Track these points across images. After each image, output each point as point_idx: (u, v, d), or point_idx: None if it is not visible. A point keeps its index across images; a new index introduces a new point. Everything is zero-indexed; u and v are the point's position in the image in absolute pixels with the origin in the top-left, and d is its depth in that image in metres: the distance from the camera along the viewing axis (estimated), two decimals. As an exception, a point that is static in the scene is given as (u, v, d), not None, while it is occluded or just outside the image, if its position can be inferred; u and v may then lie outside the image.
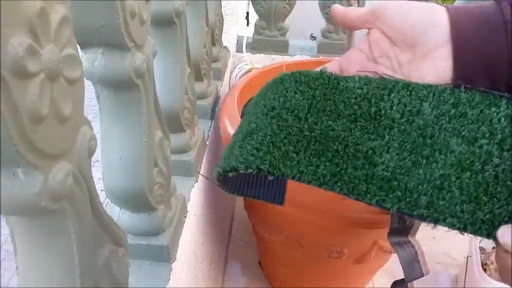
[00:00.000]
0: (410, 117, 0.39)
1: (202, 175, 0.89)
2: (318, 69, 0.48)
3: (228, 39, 1.54)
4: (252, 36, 1.65)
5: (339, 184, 0.37)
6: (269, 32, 1.62)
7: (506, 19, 0.38)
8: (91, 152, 0.38)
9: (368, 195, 0.37)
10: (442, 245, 1.55)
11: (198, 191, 0.89)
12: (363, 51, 0.46)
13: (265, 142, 0.38)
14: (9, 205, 0.32)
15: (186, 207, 0.79)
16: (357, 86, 0.42)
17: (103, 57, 0.47)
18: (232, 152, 0.40)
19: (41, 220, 0.36)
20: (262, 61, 1.61)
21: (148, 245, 0.65)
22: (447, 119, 0.38)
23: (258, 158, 0.37)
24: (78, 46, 0.36)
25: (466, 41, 0.39)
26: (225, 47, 1.47)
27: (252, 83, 1.17)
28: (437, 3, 0.44)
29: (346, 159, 0.38)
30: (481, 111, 0.38)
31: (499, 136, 0.36)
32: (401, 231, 0.80)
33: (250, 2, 1.58)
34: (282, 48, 1.63)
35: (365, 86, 0.41)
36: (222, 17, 1.33)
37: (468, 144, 0.36)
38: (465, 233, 0.35)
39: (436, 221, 0.35)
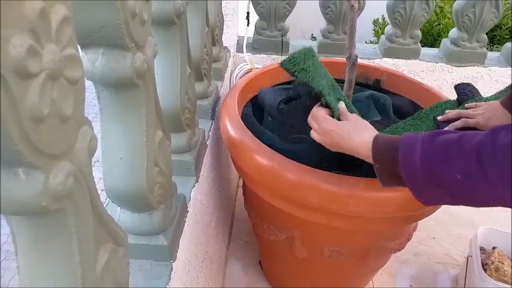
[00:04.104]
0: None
1: None
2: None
3: (229, 39, 1.54)
4: (252, 36, 1.65)
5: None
6: (269, 32, 1.62)
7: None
8: (92, 152, 0.38)
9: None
10: (442, 245, 1.55)
11: (198, 191, 0.89)
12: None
13: None
14: (10, 205, 0.32)
15: (187, 207, 0.79)
16: None
17: (104, 57, 0.47)
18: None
19: (41, 220, 0.36)
20: (262, 61, 1.61)
21: (149, 245, 0.66)
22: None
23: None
24: (78, 46, 0.36)
25: None
26: (226, 47, 1.47)
27: (252, 83, 1.17)
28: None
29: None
30: None
31: None
32: None
33: (250, 2, 1.58)
34: (282, 48, 1.63)
35: None
36: (223, 17, 1.33)
37: None
38: None
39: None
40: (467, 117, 0.90)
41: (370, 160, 0.69)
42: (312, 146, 0.95)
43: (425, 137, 0.61)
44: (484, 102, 0.94)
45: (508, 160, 0.50)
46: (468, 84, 1.06)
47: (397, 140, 0.64)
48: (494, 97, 0.97)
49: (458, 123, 0.90)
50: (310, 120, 0.80)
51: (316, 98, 0.82)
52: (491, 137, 0.53)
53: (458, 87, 1.05)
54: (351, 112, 0.82)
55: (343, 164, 0.87)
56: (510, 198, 0.51)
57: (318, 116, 0.78)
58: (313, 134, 0.80)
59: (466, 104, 0.97)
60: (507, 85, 0.97)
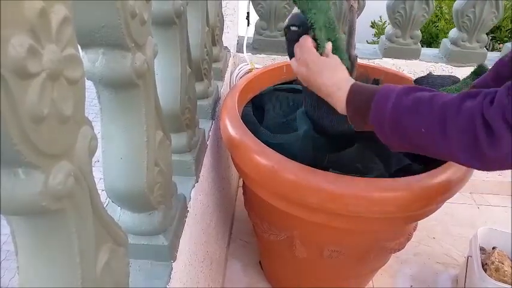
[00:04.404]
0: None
1: None
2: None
3: (229, 39, 1.54)
4: (252, 36, 1.65)
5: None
6: (269, 32, 1.62)
7: None
8: (92, 152, 0.38)
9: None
10: (442, 245, 1.55)
11: (198, 191, 0.89)
12: None
13: None
14: (10, 205, 0.32)
15: (187, 207, 0.79)
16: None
17: (104, 57, 0.47)
18: None
19: (41, 220, 0.36)
20: (262, 61, 1.61)
21: (149, 245, 0.66)
22: None
23: None
24: (79, 46, 0.36)
25: None
26: (226, 47, 1.47)
27: (252, 83, 1.17)
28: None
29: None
30: None
31: None
32: None
33: (250, 2, 1.58)
34: (282, 48, 1.63)
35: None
36: (223, 17, 1.33)
37: None
38: None
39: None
40: None
41: (332, 101, 0.73)
42: (304, 136, 0.94)
43: (402, 89, 0.65)
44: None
45: (467, 123, 0.56)
46: (427, 76, 1.06)
47: (375, 88, 0.69)
48: (455, 88, 0.99)
49: None
50: (296, 47, 0.80)
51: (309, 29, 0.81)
52: (459, 100, 0.58)
53: (416, 83, 1.07)
54: (340, 57, 0.82)
55: (334, 148, 0.87)
56: (461, 157, 0.59)
57: (303, 45, 0.79)
58: (293, 62, 0.81)
59: None
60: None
